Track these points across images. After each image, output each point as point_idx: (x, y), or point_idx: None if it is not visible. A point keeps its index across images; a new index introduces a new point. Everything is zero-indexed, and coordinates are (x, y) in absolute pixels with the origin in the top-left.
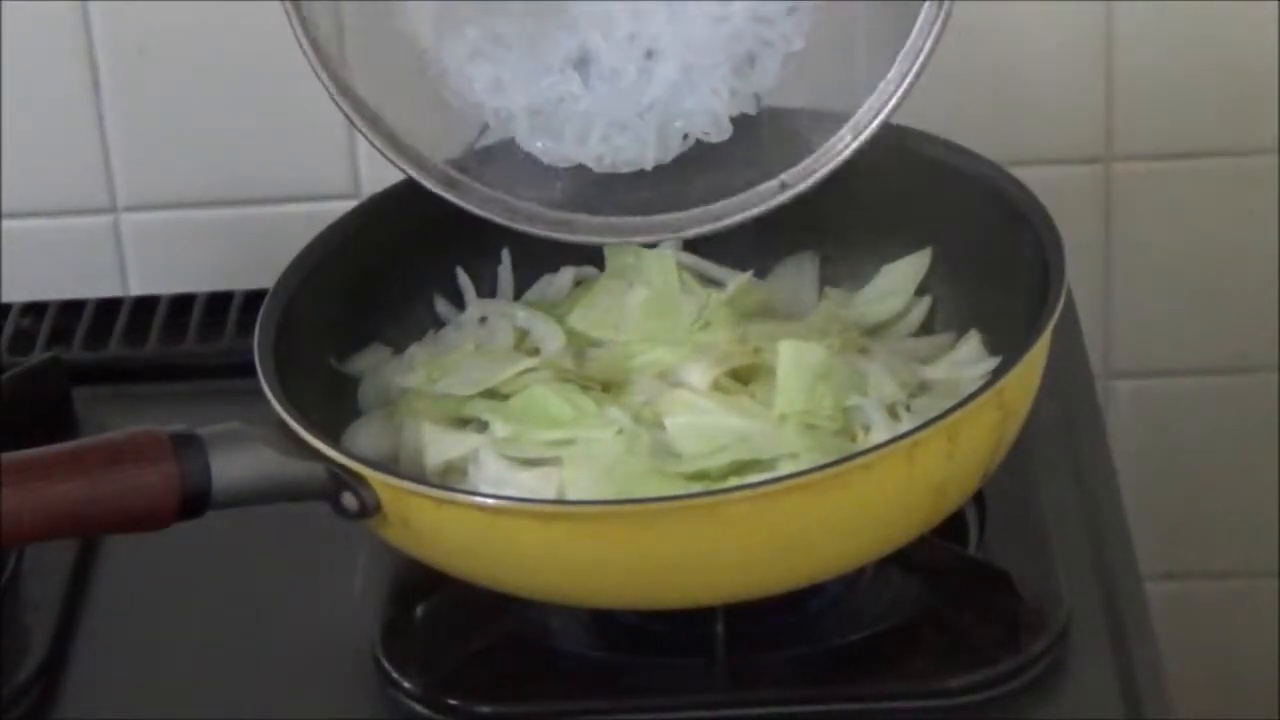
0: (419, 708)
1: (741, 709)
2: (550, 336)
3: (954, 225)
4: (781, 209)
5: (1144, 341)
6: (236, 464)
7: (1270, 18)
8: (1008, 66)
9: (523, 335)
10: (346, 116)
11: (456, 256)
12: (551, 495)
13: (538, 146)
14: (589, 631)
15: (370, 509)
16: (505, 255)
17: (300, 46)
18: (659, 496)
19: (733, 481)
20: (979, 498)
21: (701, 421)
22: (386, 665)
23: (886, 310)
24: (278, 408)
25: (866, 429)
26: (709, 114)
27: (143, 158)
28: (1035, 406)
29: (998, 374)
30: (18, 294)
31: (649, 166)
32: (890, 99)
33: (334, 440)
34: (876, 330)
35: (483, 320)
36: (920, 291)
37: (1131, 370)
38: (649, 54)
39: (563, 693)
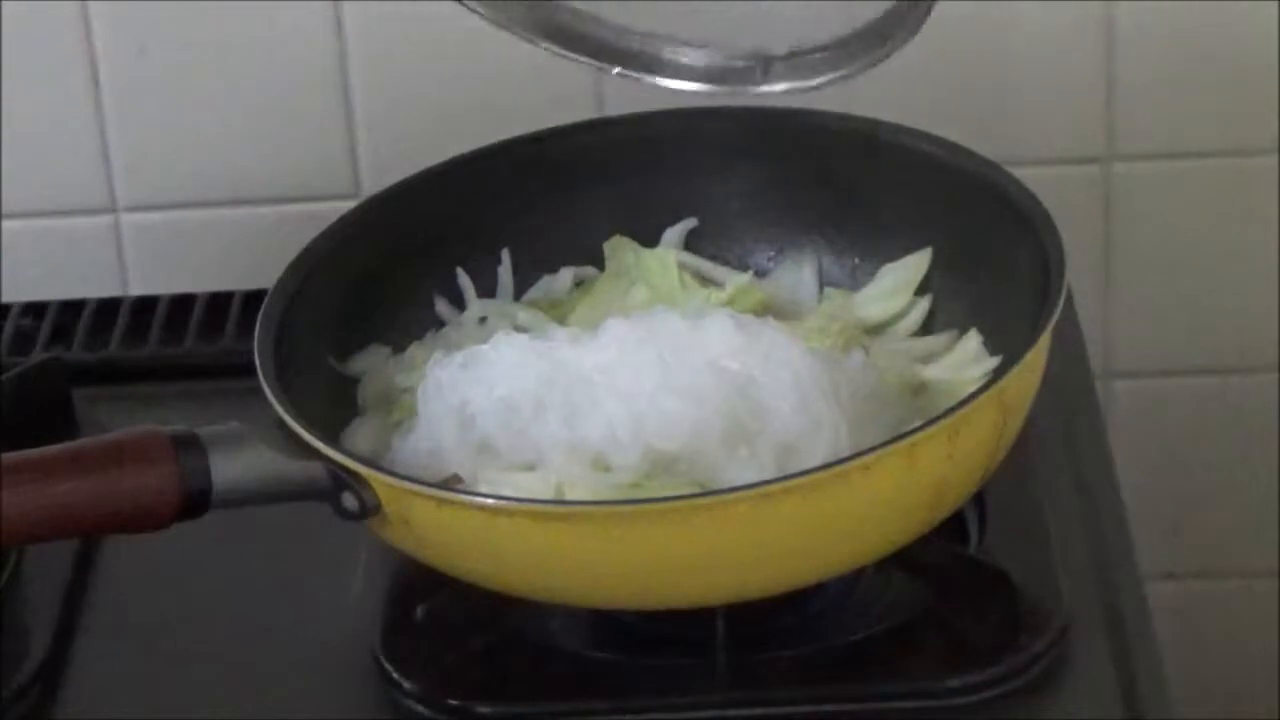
0: (419, 708)
1: (741, 709)
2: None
3: (954, 225)
4: (781, 208)
5: (1144, 341)
6: (236, 464)
7: (1270, 18)
8: (1008, 66)
9: None
10: None
11: (456, 256)
12: (551, 495)
13: None
14: (589, 631)
15: (370, 509)
16: (505, 255)
17: None
18: (659, 496)
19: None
20: (979, 498)
21: None
22: (386, 665)
23: (886, 310)
24: (278, 408)
25: None
26: None
27: (143, 158)
28: (1035, 406)
29: (998, 374)
30: (18, 294)
31: None
32: None
33: (334, 440)
34: (876, 330)
35: (483, 320)
36: (920, 291)
37: (1131, 370)
38: None
39: (563, 693)
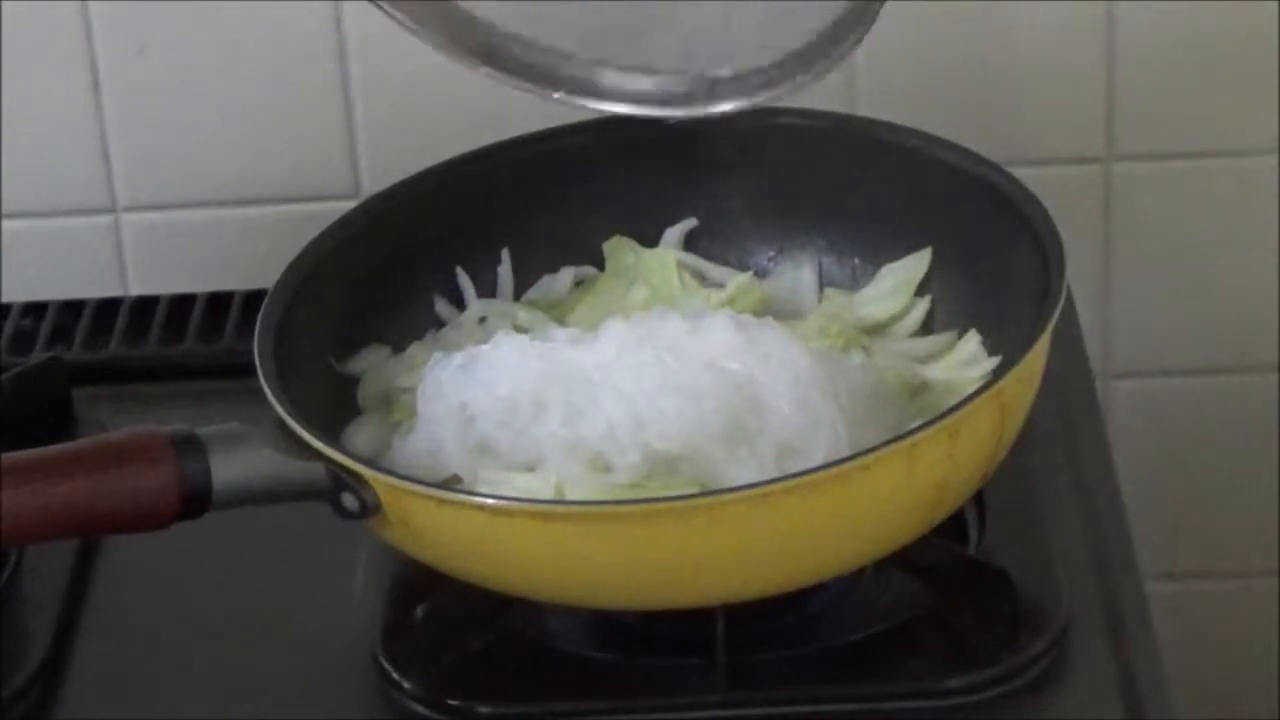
0: (419, 708)
1: (741, 709)
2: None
3: (954, 225)
4: (781, 208)
5: (1144, 341)
6: (236, 464)
7: (1270, 18)
8: (1008, 66)
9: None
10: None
11: (456, 256)
12: (551, 495)
13: None
14: (589, 631)
15: (370, 509)
16: (505, 255)
17: None
18: (659, 497)
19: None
20: (979, 498)
21: None
22: (386, 665)
23: (886, 310)
24: (278, 408)
25: None
26: None
27: (143, 158)
28: (1035, 406)
29: (998, 374)
30: (18, 294)
31: None
32: None
33: (334, 440)
34: (876, 330)
35: (483, 320)
36: (920, 291)
37: (1131, 370)
38: None
39: (563, 693)
